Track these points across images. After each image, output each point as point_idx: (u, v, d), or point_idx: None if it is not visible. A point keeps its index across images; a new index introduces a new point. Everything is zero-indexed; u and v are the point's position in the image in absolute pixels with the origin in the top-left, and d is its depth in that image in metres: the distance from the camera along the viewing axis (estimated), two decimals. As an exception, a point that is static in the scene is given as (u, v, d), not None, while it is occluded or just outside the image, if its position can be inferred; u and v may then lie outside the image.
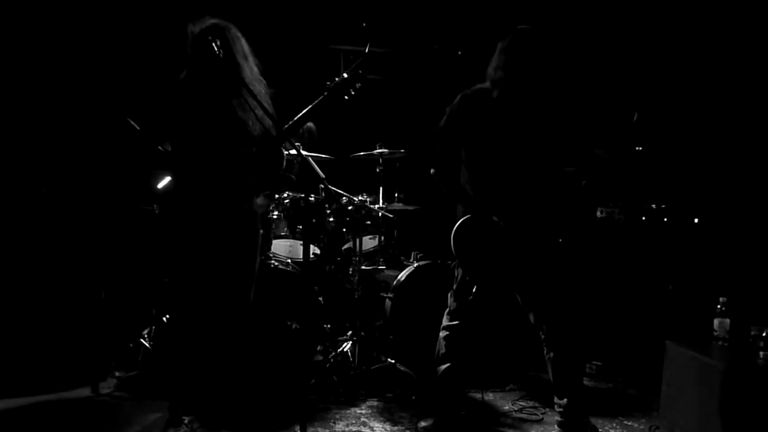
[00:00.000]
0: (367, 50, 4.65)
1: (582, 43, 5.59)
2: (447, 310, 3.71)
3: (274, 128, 3.31)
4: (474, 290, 3.55)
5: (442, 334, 3.69)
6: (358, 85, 3.38)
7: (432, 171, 3.57)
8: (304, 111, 3.38)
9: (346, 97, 3.42)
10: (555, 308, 3.47)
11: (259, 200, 3.82)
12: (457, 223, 3.42)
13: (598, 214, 5.15)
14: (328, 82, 3.40)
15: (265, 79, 3.42)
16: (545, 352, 3.53)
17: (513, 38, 3.46)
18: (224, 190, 3.32)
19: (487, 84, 3.51)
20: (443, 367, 3.66)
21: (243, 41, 3.34)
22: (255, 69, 3.36)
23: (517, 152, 3.42)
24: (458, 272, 3.62)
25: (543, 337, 3.52)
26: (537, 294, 3.50)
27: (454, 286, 3.66)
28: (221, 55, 3.13)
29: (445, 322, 3.70)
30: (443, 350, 3.67)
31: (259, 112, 3.24)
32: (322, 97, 3.41)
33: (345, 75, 3.39)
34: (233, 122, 3.29)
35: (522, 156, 3.43)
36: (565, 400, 3.50)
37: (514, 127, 3.42)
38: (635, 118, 3.33)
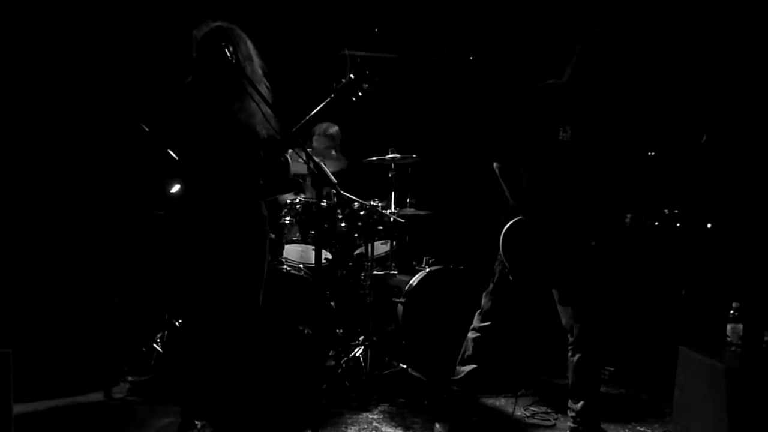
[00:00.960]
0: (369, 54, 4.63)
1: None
2: (479, 310, 3.68)
3: (278, 126, 3.29)
4: (517, 292, 3.52)
5: (472, 335, 3.66)
6: (365, 86, 3.38)
7: (495, 165, 3.51)
8: (311, 113, 3.39)
9: (354, 99, 3.42)
10: (591, 310, 3.46)
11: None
12: (507, 225, 3.40)
13: (627, 219, 5.14)
14: (335, 84, 3.39)
15: (274, 83, 3.40)
16: (570, 354, 3.51)
17: (589, 40, 3.45)
18: (233, 195, 3.33)
19: (563, 80, 3.49)
20: (468, 368, 3.63)
21: (248, 42, 3.33)
22: (259, 70, 3.34)
23: (580, 154, 3.42)
24: (497, 270, 3.60)
25: (571, 339, 3.50)
26: (577, 294, 3.48)
27: (491, 286, 3.63)
28: (234, 61, 3.14)
29: (476, 323, 3.67)
30: (470, 351, 3.64)
31: (266, 110, 3.23)
32: (329, 99, 3.41)
33: (351, 76, 3.39)
34: (241, 127, 3.29)
35: (584, 158, 3.42)
36: (581, 403, 3.48)
37: (581, 128, 3.42)
38: (704, 139, 3.32)
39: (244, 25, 3.36)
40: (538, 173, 3.46)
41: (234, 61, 3.13)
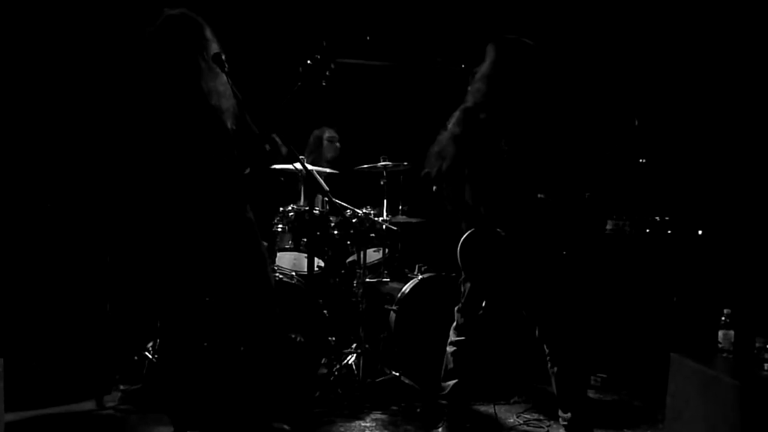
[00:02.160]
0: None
1: (581, 49, 5.59)
2: (454, 325, 3.70)
3: (248, 117, 3.18)
4: (484, 305, 3.53)
5: (450, 349, 3.68)
6: (332, 67, 3.30)
7: (434, 189, 3.56)
8: (284, 102, 3.28)
9: (323, 83, 3.34)
10: (558, 323, 3.47)
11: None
12: (463, 237, 3.42)
13: (608, 226, 5.14)
14: (301, 68, 3.30)
15: (253, 83, 3.31)
16: (549, 366, 3.52)
17: (498, 49, 3.49)
18: (209, 200, 3.22)
19: (476, 97, 3.52)
20: (451, 383, 3.65)
21: (208, 29, 3.22)
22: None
23: (514, 165, 3.43)
24: (465, 288, 3.61)
25: (547, 351, 3.52)
26: (540, 309, 3.49)
27: (462, 302, 3.65)
28: (226, 69, 3.10)
29: (452, 337, 3.70)
30: (451, 365, 3.66)
31: (230, 102, 3.15)
32: (299, 84, 3.31)
33: (318, 57, 3.31)
34: (213, 128, 3.18)
35: (520, 168, 3.43)
36: (570, 413, 3.49)
37: (509, 141, 3.43)
38: (636, 123, 3.34)
39: (225, 25, 3.29)
40: (479, 188, 3.48)
41: (226, 69, 3.08)
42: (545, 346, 3.51)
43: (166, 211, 3.27)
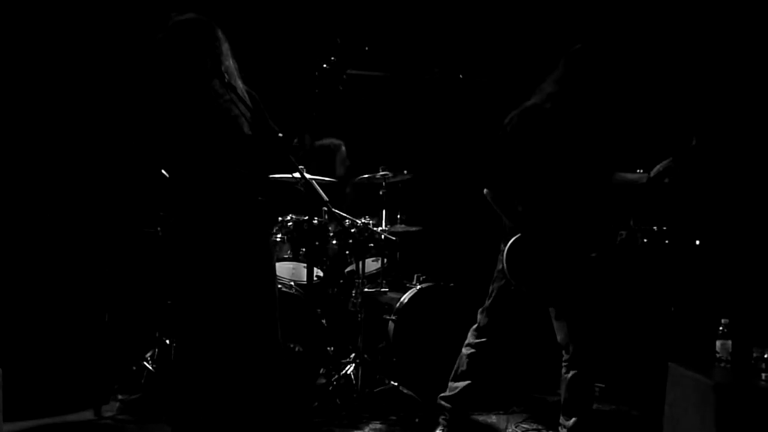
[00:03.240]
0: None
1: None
2: (475, 326, 3.69)
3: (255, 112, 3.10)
4: (515, 309, 3.52)
5: (466, 351, 3.67)
6: (348, 69, 3.26)
7: (486, 191, 3.53)
8: (302, 109, 3.27)
9: (340, 87, 3.31)
10: (587, 326, 3.47)
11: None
12: (510, 242, 3.41)
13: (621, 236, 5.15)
14: (317, 72, 3.26)
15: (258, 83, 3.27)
16: (564, 371, 3.51)
17: (572, 58, 3.49)
18: (239, 219, 3.17)
19: (537, 100, 3.52)
20: (462, 384, 3.64)
21: (219, 30, 3.14)
22: (233, 63, 3.17)
23: (571, 169, 3.45)
24: (493, 288, 3.61)
25: (566, 356, 3.51)
26: (573, 310, 3.49)
27: (487, 304, 3.65)
28: (226, 80, 3.07)
29: (471, 339, 3.69)
30: (464, 367, 3.65)
31: (245, 111, 3.08)
32: (316, 90, 3.28)
33: (333, 59, 3.26)
34: (234, 138, 3.12)
35: (577, 173, 3.45)
36: (573, 420, 3.49)
37: (569, 144, 3.44)
38: (694, 142, 3.35)
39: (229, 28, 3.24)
40: (533, 194, 3.48)
41: (226, 80, 3.05)
42: (565, 351, 3.51)
43: (182, 219, 3.20)
